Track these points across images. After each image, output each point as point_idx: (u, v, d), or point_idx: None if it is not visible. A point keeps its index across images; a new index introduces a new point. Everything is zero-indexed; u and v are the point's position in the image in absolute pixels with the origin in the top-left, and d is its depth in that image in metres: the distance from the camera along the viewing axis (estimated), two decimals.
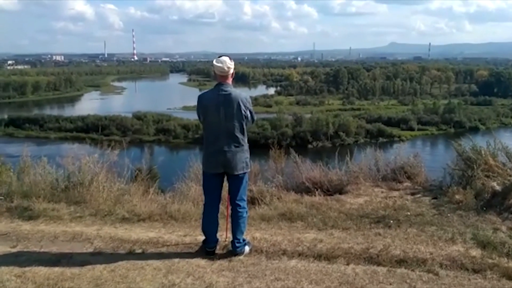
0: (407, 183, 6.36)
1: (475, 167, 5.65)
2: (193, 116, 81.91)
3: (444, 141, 74.55)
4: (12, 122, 78.35)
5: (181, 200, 5.67)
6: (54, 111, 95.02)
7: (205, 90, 4.26)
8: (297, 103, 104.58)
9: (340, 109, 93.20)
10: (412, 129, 77.32)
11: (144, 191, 6.03)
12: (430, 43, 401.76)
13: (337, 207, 5.35)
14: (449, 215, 5.03)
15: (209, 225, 4.20)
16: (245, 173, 4.20)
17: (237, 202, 4.17)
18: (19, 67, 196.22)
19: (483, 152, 5.81)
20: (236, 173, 4.11)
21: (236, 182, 4.18)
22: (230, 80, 4.15)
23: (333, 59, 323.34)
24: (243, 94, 4.14)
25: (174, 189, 6.60)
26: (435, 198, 5.66)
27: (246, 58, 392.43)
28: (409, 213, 5.07)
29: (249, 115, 4.17)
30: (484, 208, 5.12)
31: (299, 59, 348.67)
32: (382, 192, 6.06)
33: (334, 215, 5.12)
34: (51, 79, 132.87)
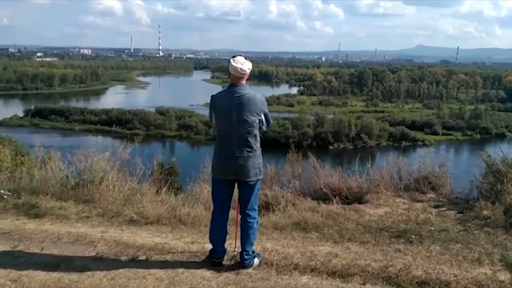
0: (431, 195, 6.01)
1: (505, 181, 5.26)
2: None
3: (469, 147, 72.99)
4: (38, 113, 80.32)
5: (192, 202, 5.45)
6: (80, 104, 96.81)
7: (219, 91, 4.02)
8: (320, 103, 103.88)
9: (363, 111, 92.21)
10: (436, 134, 75.90)
11: (156, 191, 5.84)
12: (458, 47, 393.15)
13: (355, 218, 5.03)
14: (475, 232, 4.67)
15: (217, 235, 3.96)
16: (257, 180, 3.95)
17: (247, 211, 3.92)
18: (48, 59, 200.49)
19: None
20: (248, 180, 3.86)
21: (247, 189, 3.92)
22: (244, 81, 3.90)
23: (358, 60, 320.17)
24: (258, 96, 3.89)
25: (187, 189, 6.41)
26: (461, 212, 5.29)
27: (270, 56, 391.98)
28: (432, 228, 4.72)
29: (263, 119, 3.93)
30: None
31: (323, 59, 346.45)
32: (404, 203, 5.71)
33: (351, 226, 4.81)
34: (78, 72, 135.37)
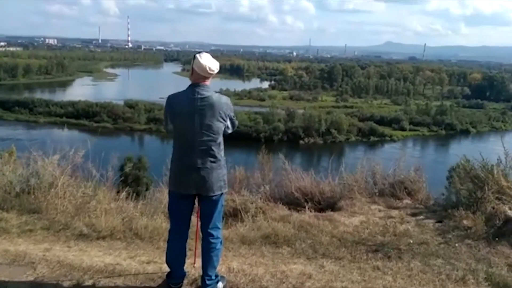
0: (407, 200, 5.72)
1: (486, 188, 4.99)
2: None
3: (435, 143, 74.73)
4: (1, 104, 77.40)
5: (152, 211, 4.94)
6: (45, 95, 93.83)
7: (177, 92, 3.49)
8: (291, 98, 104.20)
9: (333, 106, 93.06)
10: (403, 129, 77.35)
11: (115, 196, 5.31)
12: (425, 44, 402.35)
13: (330, 230, 4.63)
14: (456, 245, 4.37)
15: (175, 257, 3.50)
16: (221, 194, 3.49)
17: (209, 231, 3.45)
18: (11, 49, 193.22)
19: (495, 171, 5.13)
20: (212, 194, 3.40)
21: (210, 205, 3.45)
22: (209, 82, 3.45)
23: (329, 56, 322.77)
24: (224, 98, 3.44)
25: (148, 194, 5.91)
26: (440, 221, 4.98)
27: (241, 50, 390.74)
28: (411, 241, 4.37)
29: (229, 124, 3.51)
30: (496, 238, 4.46)
31: (294, 54, 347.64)
32: (379, 210, 5.39)
33: (326, 240, 4.41)
34: (43, 63, 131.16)
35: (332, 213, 5.26)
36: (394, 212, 5.31)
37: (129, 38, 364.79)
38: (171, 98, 3.44)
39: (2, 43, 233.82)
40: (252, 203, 5.27)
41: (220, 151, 3.43)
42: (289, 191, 5.88)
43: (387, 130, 74.59)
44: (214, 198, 3.42)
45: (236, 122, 3.61)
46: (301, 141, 67.62)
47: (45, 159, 5.17)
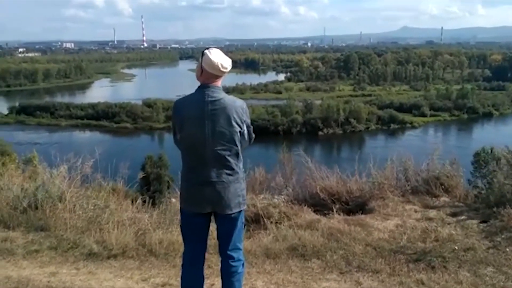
0: (445, 198, 5.19)
1: None
2: None
3: (457, 127, 72.98)
4: (23, 109, 79.01)
5: (167, 222, 4.56)
6: (65, 99, 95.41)
7: (185, 95, 3.07)
8: (307, 89, 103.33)
9: (351, 95, 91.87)
10: (424, 115, 75.92)
11: (127, 206, 4.95)
12: (442, 27, 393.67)
13: (363, 237, 4.17)
14: (507, 249, 3.88)
15: (191, 283, 3.07)
16: (241, 211, 3.07)
17: (229, 252, 3.03)
18: (30, 54, 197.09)
19: None
20: (229, 212, 2.98)
21: (228, 224, 3.04)
22: (220, 82, 3.02)
23: (344, 44, 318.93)
24: (238, 101, 3.01)
25: (165, 200, 5.56)
26: (485, 222, 4.49)
27: (255, 44, 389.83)
28: (456, 248, 3.91)
29: (245, 131, 3.04)
30: None
31: (309, 44, 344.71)
32: (415, 211, 4.87)
33: (359, 249, 3.95)
34: (62, 67, 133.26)
35: (363, 216, 4.78)
36: (432, 213, 4.79)
37: (144, 38, 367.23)
38: (178, 104, 3.04)
39: (21, 49, 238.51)
40: (275, 208, 4.84)
41: (237, 162, 3.00)
42: (313, 192, 5.42)
43: (407, 117, 73.25)
44: (232, 216, 3.01)
45: (253, 134, 3.13)
46: (320, 132, 66.88)
47: (52, 171, 4.83)
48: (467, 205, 4.99)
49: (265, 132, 64.11)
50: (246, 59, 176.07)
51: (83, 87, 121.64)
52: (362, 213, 4.91)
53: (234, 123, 2.90)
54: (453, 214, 4.74)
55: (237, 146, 2.96)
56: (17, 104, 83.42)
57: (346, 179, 5.63)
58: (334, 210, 4.81)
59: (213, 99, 2.88)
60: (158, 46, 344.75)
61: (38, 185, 4.72)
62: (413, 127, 71.91)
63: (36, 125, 74.21)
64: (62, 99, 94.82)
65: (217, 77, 2.96)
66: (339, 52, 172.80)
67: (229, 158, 2.93)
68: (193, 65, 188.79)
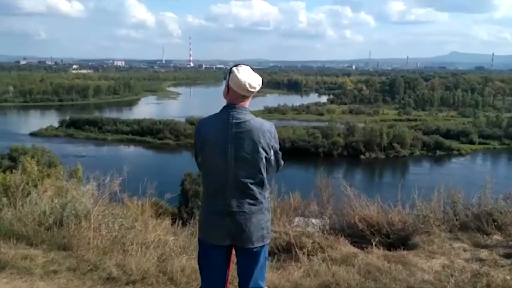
0: (497, 236, 4.73)
1: None
2: None
3: (508, 156, 69.48)
4: (73, 123, 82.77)
5: (193, 246, 4.36)
6: (113, 114, 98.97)
7: (208, 116, 2.85)
8: (350, 112, 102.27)
9: (395, 120, 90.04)
10: (472, 143, 73.08)
11: (155, 227, 4.82)
12: (493, 53, 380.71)
13: (404, 277, 3.79)
14: None
15: None
16: (264, 245, 2.81)
17: None
18: (83, 71, 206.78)
19: None
20: (251, 246, 2.73)
21: (249, 259, 2.79)
22: (248, 103, 2.80)
23: (389, 68, 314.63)
24: (266, 124, 2.76)
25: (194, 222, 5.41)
26: None
27: (299, 65, 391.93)
28: None
29: (272, 157, 2.78)
30: None
31: (353, 67, 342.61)
32: (464, 250, 4.43)
33: None
34: (111, 84, 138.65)
35: (405, 252, 4.38)
36: (484, 253, 4.35)
37: (191, 58, 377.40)
38: (201, 123, 2.82)
39: (75, 66, 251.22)
40: (308, 237, 4.57)
41: (262, 191, 2.74)
42: (351, 222, 5.12)
43: (454, 144, 70.76)
44: (254, 250, 2.76)
45: (282, 161, 2.86)
46: (362, 156, 65.69)
47: (81, 187, 4.78)
48: None
49: (305, 153, 63.64)
50: (289, 80, 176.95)
51: (131, 104, 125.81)
52: (404, 249, 4.54)
53: (260, 148, 2.66)
54: (507, 256, 4.27)
55: (262, 173, 2.71)
56: (67, 118, 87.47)
57: (388, 209, 5.29)
58: (373, 244, 4.48)
59: (238, 121, 2.67)
60: (204, 66, 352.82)
61: (66, 201, 4.65)
62: (460, 155, 69.27)
63: (84, 138, 77.31)
64: (110, 114, 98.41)
65: (245, 97, 2.74)
66: (384, 75, 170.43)
67: (252, 186, 2.69)
68: None
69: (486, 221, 4.84)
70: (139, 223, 4.73)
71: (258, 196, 2.72)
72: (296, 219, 5.96)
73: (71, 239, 4.26)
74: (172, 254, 4.17)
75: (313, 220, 5.81)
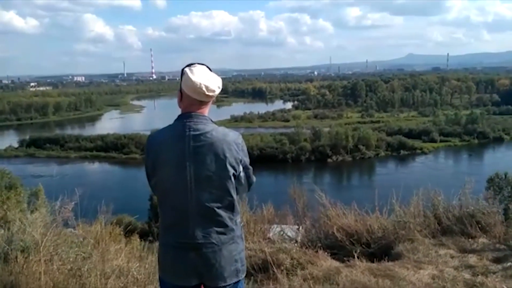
0: (483, 239, 4.52)
1: None
2: None
3: (468, 152, 71.87)
4: (33, 142, 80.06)
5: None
6: (75, 131, 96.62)
7: (162, 128, 2.38)
8: (315, 117, 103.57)
9: (359, 122, 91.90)
10: (434, 141, 75.55)
11: (116, 253, 4.33)
12: (448, 54, 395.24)
13: None
14: None
15: None
16: (239, 281, 2.35)
17: None
18: (41, 88, 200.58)
19: None
20: (224, 284, 2.28)
21: None
22: (207, 110, 2.35)
23: (350, 72, 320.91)
24: (232, 134, 2.31)
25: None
26: None
27: (263, 73, 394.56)
28: None
29: (242, 174, 2.34)
30: None
31: (315, 73, 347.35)
32: (451, 256, 4.15)
33: None
34: (72, 100, 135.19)
35: (391, 264, 4.05)
36: (472, 259, 4.09)
37: (153, 70, 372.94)
38: (152, 139, 2.34)
39: (33, 84, 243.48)
40: (286, 253, 4.24)
41: (233, 216, 2.28)
42: (329, 232, 4.84)
43: (417, 143, 72.94)
44: None
45: (253, 178, 2.41)
46: (329, 160, 66.58)
47: (27, 216, 4.20)
48: (510, 247, 4.33)
49: (273, 160, 63.67)
50: (254, 88, 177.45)
51: (93, 119, 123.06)
52: (388, 259, 4.26)
53: (226, 164, 2.21)
54: (497, 260, 4.05)
55: (231, 195, 2.25)
56: (27, 137, 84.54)
57: (365, 216, 5.05)
58: (355, 256, 4.18)
59: (197, 132, 2.20)
60: (167, 77, 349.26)
61: (12, 233, 4.05)
62: (423, 153, 71.21)
63: (46, 157, 74.79)
64: (72, 131, 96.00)
65: (202, 103, 2.27)
66: (346, 80, 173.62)
67: (220, 211, 2.23)
68: None
69: (469, 223, 4.63)
70: (98, 250, 4.22)
71: (228, 222, 2.26)
72: (272, 228, 5.66)
73: (18, 276, 3.69)
74: (135, 285, 3.69)
75: (289, 230, 5.51)
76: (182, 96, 2.31)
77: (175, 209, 2.25)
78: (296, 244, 4.66)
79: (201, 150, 2.20)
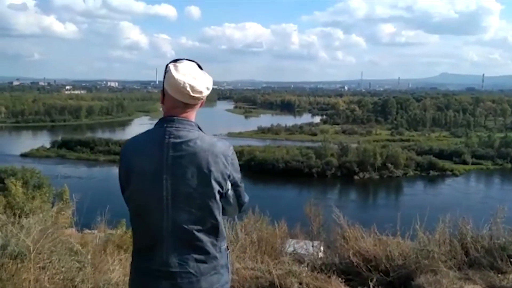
0: None
1: None
2: (237, 142, 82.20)
3: (501, 177, 69.31)
4: (65, 144, 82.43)
5: None
6: (105, 135, 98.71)
7: (140, 133, 2.07)
8: (343, 132, 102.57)
9: (388, 140, 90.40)
10: (465, 163, 73.37)
11: (114, 263, 4.11)
12: (483, 74, 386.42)
13: None
14: None
15: None
16: None
17: None
18: (76, 92, 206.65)
19: None
20: None
21: None
22: (194, 114, 2.01)
23: (381, 89, 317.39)
24: (220, 145, 1.96)
25: None
26: None
27: (292, 86, 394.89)
28: None
29: (230, 192, 2.00)
30: None
31: (346, 88, 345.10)
32: None
33: None
34: (105, 104, 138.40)
35: None
36: None
37: None
38: (127, 146, 2.04)
39: (68, 87, 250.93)
40: (295, 277, 3.94)
41: (217, 241, 1.95)
42: (345, 255, 4.51)
43: (447, 164, 70.95)
44: None
45: (246, 197, 2.08)
46: (355, 176, 65.44)
47: (21, 221, 4.00)
48: None
49: (298, 174, 63.12)
50: (282, 101, 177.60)
51: (124, 124, 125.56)
52: None
53: (211, 180, 1.87)
54: None
55: (214, 216, 1.91)
56: (59, 138, 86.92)
57: (386, 240, 4.67)
58: (371, 285, 3.83)
59: (178, 140, 1.87)
60: None
61: (6, 238, 3.83)
62: (454, 175, 69.17)
63: (76, 159, 76.62)
64: (102, 135, 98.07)
65: (187, 105, 1.94)
66: (376, 96, 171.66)
67: (200, 235, 1.89)
68: (230, 105, 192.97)
69: (499, 256, 4.19)
70: (95, 260, 4.00)
71: (210, 249, 1.91)
72: (288, 243, 5.37)
73: (6, 284, 3.40)
74: None
75: (305, 247, 5.19)
76: (164, 96, 2.00)
77: (147, 229, 1.93)
78: (307, 268, 4.32)
79: (181, 161, 1.86)
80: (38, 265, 3.53)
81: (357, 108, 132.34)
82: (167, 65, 1.96)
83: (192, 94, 1.89)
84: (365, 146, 71.30)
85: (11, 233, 3.69)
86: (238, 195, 2.03)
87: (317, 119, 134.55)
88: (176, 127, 1.90)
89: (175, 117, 1.93)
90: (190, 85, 1.89)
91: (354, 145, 73.83)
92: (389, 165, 66.76)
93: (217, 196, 1.91)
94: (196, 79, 1.92)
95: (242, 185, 2.05)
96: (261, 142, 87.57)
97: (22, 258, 3.47)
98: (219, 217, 1.94)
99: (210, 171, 1.87)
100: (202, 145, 1.89)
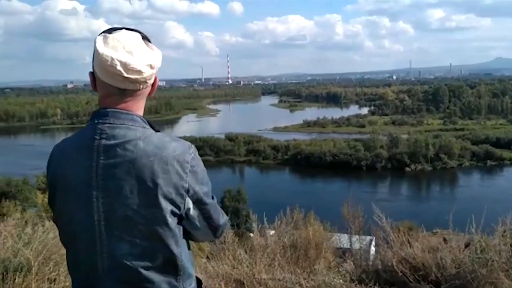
0: None
1: None
2: (282, 137, 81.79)
3: None
4: None
5: None
6: None
7: (66, 137, 1.50)
8: (393, 123, 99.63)
9: (441, 129, 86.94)
10: None
11: None
12: None
13: None
14: None
15: None
16: None
17: None
18: None
19: None
20: None
21: None
22: (138, 104, 1.43)
23: (432, 77, 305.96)
24: (172, 147, 1.38)
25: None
26: None
27: (338, 78, 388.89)
28: None
29: (193, 212, 1.41)
30: None
31: (394, 77, 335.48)
32: None
33: None
34: (153, 103, 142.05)
35: None
36: None
37: (229, 75, 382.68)
38: (54, 152, 1.47)
39: None
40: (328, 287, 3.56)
41: (177, 281, 1.39)
42: (389, 264, 4.08)
43: (505, 153, 67.03)
44: None
45: (222, 218, 1.50)
46: (407, 168, 63.32)
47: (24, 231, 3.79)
48: None
49: (346, 167, 61.91)
50: (328, 93, 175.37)
51: (172, 122, 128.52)
52: None
53: (158, 197, 1.32)
54: None
55: (168, 247, 1.36)
56: None
57: (437, 245, 4.18)
58: None
59: (111, 142, 1.33)
60: (242, 82, 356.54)
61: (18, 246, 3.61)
62: None
63: None
64: None
65: (125, 92, 1.38)
66: (427, 84, 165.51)
67: (149, 274, 1.34)
68: (274, 100, 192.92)
69: None
70: None
71: None
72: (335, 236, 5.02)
73: None
74: None
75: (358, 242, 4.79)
76: (95, 81, 1.42)
77: (78, 266, 1.40)
78: (344, 277, 3.93)
79: (116, 171, 1.31)
80: (37, 279, 3.28)
81: (406, 98, 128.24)
82: (95, 39, 1.39)
83: (126, 75, 1.32)
84: (416, 137, 68.81)
85: (12, 245, 3.50)
86: (206, 216, 1.44)
87: (364, 110, 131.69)
88: (110, 124, 1.34)
89: (109, 109, 1.36)
90: (122, 62, 1.31)
91: (405, 136, 71.51)
92: (443, 155, 64.03)
93: (170, 220, 1.34)
94: (132, 54, 1.34)
95: (211, 201, 1.46)
96: (307, 136, 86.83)
97: (23, 271, 3.24)
98: (175, 248, 1.37)
99: (156, 184, 1.31)
100: (146, 148, 1.33)
